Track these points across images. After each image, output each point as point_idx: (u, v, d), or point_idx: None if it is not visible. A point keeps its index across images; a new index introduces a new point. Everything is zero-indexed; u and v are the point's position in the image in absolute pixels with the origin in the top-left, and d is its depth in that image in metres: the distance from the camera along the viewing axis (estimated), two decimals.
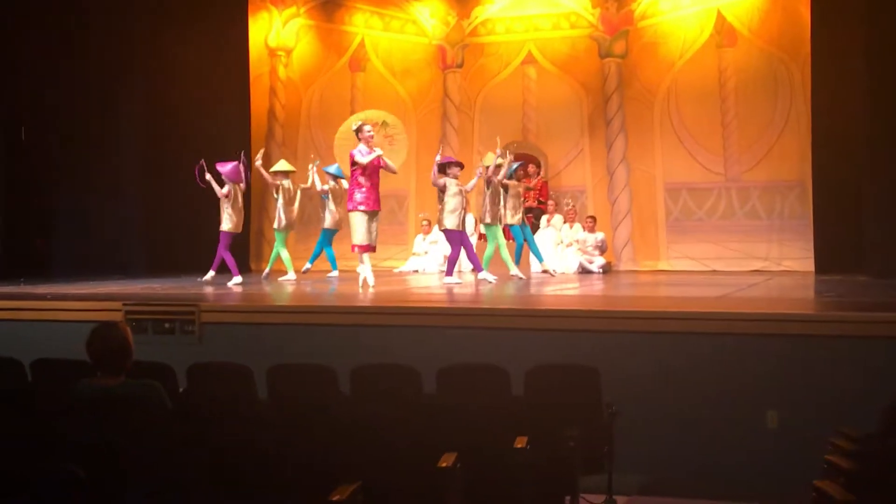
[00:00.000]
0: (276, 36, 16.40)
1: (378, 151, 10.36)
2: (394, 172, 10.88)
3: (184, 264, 13.99)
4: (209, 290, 10.69)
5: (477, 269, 11.15)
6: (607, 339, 6.91)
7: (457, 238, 11.00)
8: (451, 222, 10.88)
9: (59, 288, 10.48)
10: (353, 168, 10.28)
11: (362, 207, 10.23)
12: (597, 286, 11.17)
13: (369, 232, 10.30)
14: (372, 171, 10.32)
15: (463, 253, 11.45)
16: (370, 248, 10.42)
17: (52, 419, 4.48)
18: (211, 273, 11.87)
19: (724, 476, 6.53)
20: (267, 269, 12.86)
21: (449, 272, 11.07)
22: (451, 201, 10.87)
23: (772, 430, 6.52)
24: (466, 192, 11.22)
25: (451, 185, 10.93)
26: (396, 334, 7.41)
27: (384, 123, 11.03)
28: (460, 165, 11.31)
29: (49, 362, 6.07)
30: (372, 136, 10.44)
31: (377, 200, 10.37)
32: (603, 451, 5.60)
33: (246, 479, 3.77)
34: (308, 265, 12.79)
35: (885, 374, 6.24)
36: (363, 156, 10.21)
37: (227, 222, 11.82)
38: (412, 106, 15.77)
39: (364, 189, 10.22)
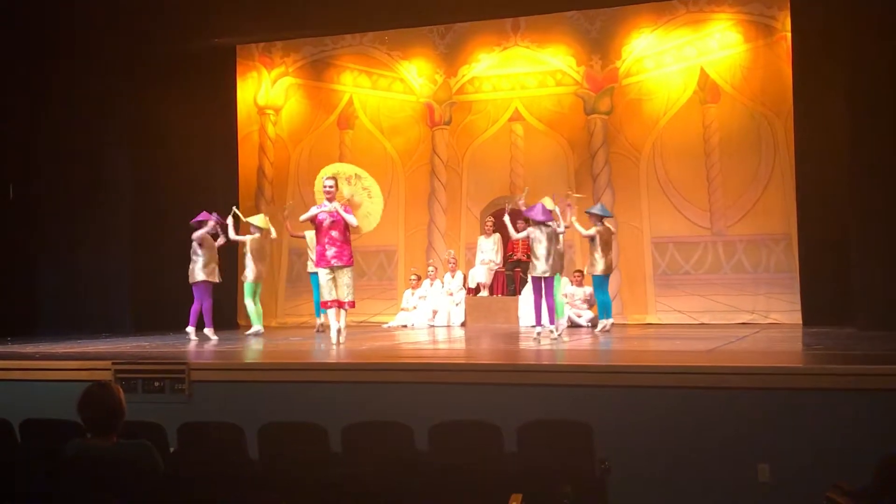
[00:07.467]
0: (265, 94, 16.55)
1: (327, 206, 9.99)
2: (354, 225, 10.07)
3: (171, 322, 13.94)
4: (199, 347, 10.63)
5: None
6: (599, 394, 6.90)
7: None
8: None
9: (46, 347, 10.42)
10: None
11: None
12: (586, 340, 11.17)
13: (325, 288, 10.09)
14: (320, 228, 10.05)
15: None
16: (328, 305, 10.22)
17: (43, 481, 4.44)
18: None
19: None
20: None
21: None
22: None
23: (764, 483, 6.50)
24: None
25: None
26: (387, 391, 7.38)
27: (357, 176, 10.81)
28: None
29: (38, 423, 6.02)
30: (327, 190, 10.04)
31: (322, 257, 10.03)
32: None
33: None
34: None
35: (876, 427, 6.23)
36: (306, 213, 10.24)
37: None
38: (400, 163, 15.88)
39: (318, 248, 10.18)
